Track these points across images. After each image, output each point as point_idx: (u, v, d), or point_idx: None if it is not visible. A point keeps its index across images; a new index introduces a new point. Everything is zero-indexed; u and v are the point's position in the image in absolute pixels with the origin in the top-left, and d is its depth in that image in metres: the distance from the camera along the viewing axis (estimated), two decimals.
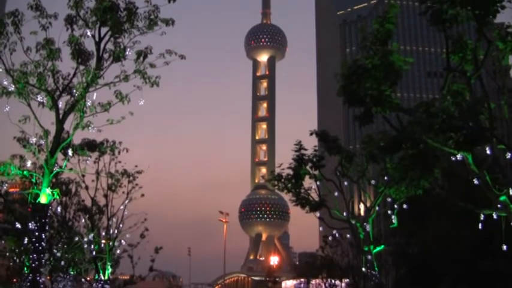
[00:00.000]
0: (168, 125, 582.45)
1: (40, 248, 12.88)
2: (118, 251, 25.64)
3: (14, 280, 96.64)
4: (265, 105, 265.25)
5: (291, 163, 25.12)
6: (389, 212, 24.63)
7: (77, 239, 27.47)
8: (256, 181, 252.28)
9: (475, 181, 13.73)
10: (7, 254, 46.03)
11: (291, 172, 25.20)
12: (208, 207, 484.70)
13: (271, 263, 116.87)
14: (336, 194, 25.06)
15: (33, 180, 13.50)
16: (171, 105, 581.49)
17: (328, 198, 25.09)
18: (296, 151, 25.08)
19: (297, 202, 25.52)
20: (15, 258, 45.28)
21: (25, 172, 13.55)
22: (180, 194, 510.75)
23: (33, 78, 13.89)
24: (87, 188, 24.61)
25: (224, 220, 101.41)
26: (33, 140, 13.66)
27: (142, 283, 38.90)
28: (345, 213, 24.09)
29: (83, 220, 26.14)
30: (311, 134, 24.75)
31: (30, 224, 13.10)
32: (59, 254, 28.41)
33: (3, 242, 47.02)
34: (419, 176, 17.53)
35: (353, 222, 23.80)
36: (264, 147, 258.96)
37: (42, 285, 13.20)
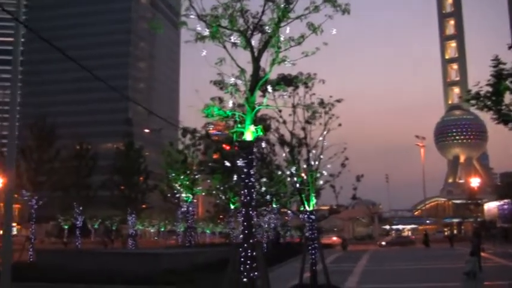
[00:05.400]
0: (358, 53, 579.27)
1: (249, 183, 13.35)
2: (321, 182, 25.95)
3: (221, 216, 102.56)
4: (452, 22, 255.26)
5: (489, 79, 23.80)
6: None
7: (280, 172, 28.22)
8: (450, 102, 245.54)
9: None
10: (213, 192, 48.70)
11: (489, 89, 23.89)
12: (401, 132, 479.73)
13: (472, 185, 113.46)
14: None
15: (236, 119, 13.94)
16: (360, 33, 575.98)
17: None
18: (494, 66, 23.69)
19: (499, 120, 24.23)
20: (220, 195, 47.86)
21: (228, 112, 14.00)
22: (375, 121, 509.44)
23: (225, 21, 14.18)
24: (284, 122, 25.01)
25: (421, 144, 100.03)
26: (231, 80, 14.01)
27: (345, 212, 39.53)
28: None
29: (283, 154, 26.69)
30: (510, 48, 23.28)
31: (238, 162, 13.60)
32: (263, 189, 29.42)
33: (208, 181, 49.80)
34: None
35: None
36: (455, 66, 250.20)
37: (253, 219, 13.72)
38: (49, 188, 46.05)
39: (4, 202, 15.15)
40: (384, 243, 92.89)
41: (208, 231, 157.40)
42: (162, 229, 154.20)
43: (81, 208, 54.22)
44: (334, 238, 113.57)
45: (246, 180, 13.37)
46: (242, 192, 13.50)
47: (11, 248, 14.78)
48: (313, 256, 25.63)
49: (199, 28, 14.23)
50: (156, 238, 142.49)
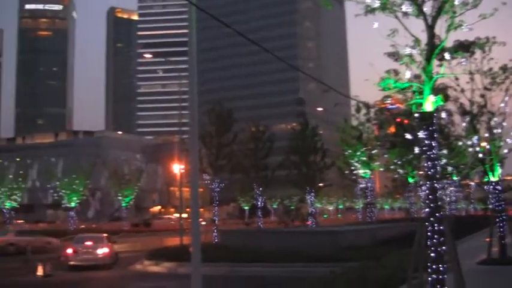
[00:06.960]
0: None
1: (432, 155, 12.92)
2: (505, 151, 24.73)
3: (399, 192, 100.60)
4: None
5: None
6: None
7: (461, 143, 27.25)
8: None
9: None
10: (391, 167, 47.97)
11: None
12: None
13: None
14: None
15: (414, 90, 13.52)
16: None
17: None
18: None
19: None
20: (398, 170, 47.01)
21: (405, 84, 13.61)
22: None
23: None
24: (462, 90, 24.05)
25: None
26: (406, 51, 13.56)
27: None
28: None
29: (463, 124, 25.69)
30: None
31: (419, 134, 13.20)
32: (443, 161, 28.44)
33: (385, 156, 49.12)
34: None
35: None
36: None
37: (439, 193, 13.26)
38: (229, 171, 47.48)
39: (190, 187, 15.65)
40: None
41: (386, 206, 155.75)
42: (341, 206, 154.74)
43: (260, 189, 55.40)
44: None
45: (429, 153, 12.97)
46: (425, 165, 13.10)
47: (199, 230, 15.30)
48: (501, 229, 24.55)
49: (368, 0, 13.90)
50: (326, 216, 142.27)
